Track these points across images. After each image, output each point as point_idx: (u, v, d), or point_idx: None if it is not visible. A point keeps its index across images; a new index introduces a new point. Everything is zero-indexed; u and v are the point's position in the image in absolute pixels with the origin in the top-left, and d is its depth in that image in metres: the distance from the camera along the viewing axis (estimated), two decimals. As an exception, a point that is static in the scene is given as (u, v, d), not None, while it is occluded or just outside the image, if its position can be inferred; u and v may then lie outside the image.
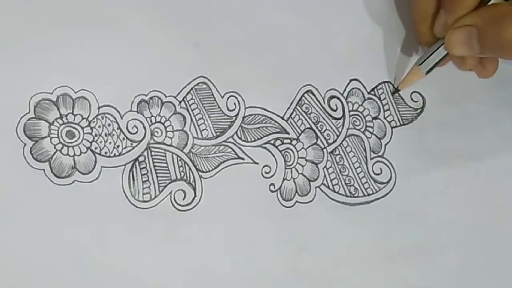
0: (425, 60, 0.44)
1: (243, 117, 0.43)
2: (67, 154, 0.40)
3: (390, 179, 0.46)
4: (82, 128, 0.40)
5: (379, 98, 0.47)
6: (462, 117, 0.48)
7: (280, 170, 0.44)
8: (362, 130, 0.46)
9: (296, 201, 0.44)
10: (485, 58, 0.45)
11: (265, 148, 0.43)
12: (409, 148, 0.47)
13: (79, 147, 0.40)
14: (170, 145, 0.42)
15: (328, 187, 0.44)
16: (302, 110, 0.45)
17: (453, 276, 0.45)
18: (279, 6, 0.45)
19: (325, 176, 0.44)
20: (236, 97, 0.43)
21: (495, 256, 0.46)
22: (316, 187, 0.44)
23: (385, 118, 0.46)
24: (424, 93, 0.47)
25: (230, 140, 0.43)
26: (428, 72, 0.44)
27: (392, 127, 0.47)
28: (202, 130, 0.42)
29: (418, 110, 0.47)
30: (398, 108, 0.47)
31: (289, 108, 0.44)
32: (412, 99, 0.47)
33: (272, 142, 0.44)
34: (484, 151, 0.47)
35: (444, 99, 0.47)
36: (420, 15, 0.44)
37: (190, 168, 0.42)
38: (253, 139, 0.43)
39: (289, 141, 0.44)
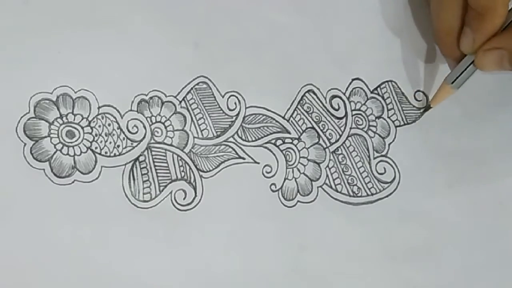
0: (456, 78, 0.44)
1: (244, 117, 0.43)
2: (67, 154, 0.40)
3: (394, 178, 0.45)
4: (82, 128, 0.40)
5: (383, 98, 0.46)
6: (465, 117, 0.47)
7: (281, 170, 0.43)
8: (365, 129, 0.46)
9: (298, 201, 0.43)
10: None
11: (266, 147, 0.43)
12: (413, 148, 0.46)
13: (79, 147, 0.40)
14: (171, 145, 0.42)
15: (331, 187, 0.44)
16: (304, 110, 0.44)
17: (456, 276, 0.45)
18: (280, 5, 0.45)
19: (327, 175, 0.44)
20: (236, 97, 0.43)
21: (498, 256, 0.46)
22: (318, 187, 0.44)
23: (388, 117, 0.46)
24: (427, 92, 0.47)
25: (231, 139, 0.43)
26: (458, 86, 0.45)
27: (396, 126, 0.46)
28: (203, 129, 0.42)
29: (422, 110, 0.47)
30: (402, 107, 0.47)
31: (290, 107, 0.44)
32: (415, 98, 0.47)
33: (273, 141, 0.43)
34: (487, 151, 0.47)
35: (447, 99, 0.47)
36: (444, 29, 0.44)
37: (190, 168, 0.42)
38: (254, 139, 0.43)
39: (290, 140, 0.44)
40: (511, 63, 0.42)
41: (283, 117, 0.44)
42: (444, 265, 0.45)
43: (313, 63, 0.45)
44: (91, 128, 0.40)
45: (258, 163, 0.43)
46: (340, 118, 0.45)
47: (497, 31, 0.42)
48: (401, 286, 0.44)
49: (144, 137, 0.41)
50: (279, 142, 0.44)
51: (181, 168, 0.42)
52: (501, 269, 0.46)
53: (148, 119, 0.41)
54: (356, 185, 0.45)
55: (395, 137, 0.46)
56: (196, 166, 0.42)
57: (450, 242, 0.45)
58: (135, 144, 0.41)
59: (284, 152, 0.44)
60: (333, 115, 0.45)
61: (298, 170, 0.44)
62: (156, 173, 0.41)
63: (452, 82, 0.44)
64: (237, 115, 0.43)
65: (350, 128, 0.45)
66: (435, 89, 0.47)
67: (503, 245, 0.46)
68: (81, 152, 0.40)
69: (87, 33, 0.41)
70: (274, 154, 0.43)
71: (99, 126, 0.41)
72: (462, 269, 0.45)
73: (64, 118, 0.40)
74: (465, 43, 0.43)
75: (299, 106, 0.44)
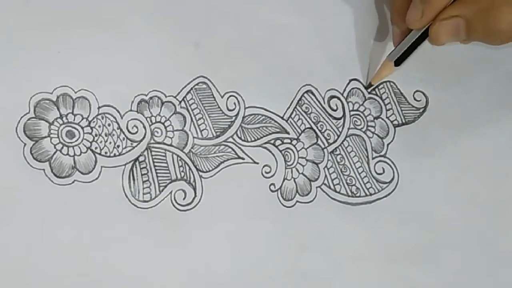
0: (400, 55, 0.43)
1: (243, 117, 0.43)
2: (67, 154, 0.40)
3: (393, 178, 0.46)
4: (82, 128, 0.40)
5: (381, 98, 0.46)
6: (465, 117, 0.47)
7: (281, 170, 0.43)
8: (363, 129, 0.46)
9: (297, 201, 0.43)
10: None
11: (265, 148, 0.43)
12: (411, 148, 0.46)
13: (79, 147, 0.40)
14: (170, 145, 0.42)
15: (329, 187, 0.44)
16: (302, 110, 0.44)
17: (455, 276, 0.45)
18: (279, 6, 0.45)
19: (326, 176, 0.44)
20: (236, 97, 0.43)
21: (498, 256, 0.46)
22: (317, 187, 0.44)
23: (387, 117, 0.46)
24: (427, 93, 0.47)
25: (230, 140, 0.43)
26: (399, 64, 0.43)
27: (394, 126, 0.46)
28: (202, 130, 0.42)
29: (421, 110, 0.47)
30: (401, 107, 0.47)
31: (289, 108, 0.44)
32: (415, 99, 0.47)
33: (272, 142, 0.44)
34: (487, 151, 0.47)
35: (447, 99, 0.47)
36: (396, 4, 0.43)
37: (190, 168, 0.42)
38: (253, 139, 0.43)
39: (289, 141, 0.44)
40: (468, 32, 0.40)
41: (282, 118, 0.44)
42: (443, 265, 0.45)
43: (312, 63, 0.45)
44: (91, 128, 0.40)
45: (257, 163, 0.43)
46: (338, 119, 0.45)
47: (448, 3, 0.40)
48: (400, 285, 0.44)
49: (144, 137, 0.41)
50: (278, 142, 0.44)
51: (181, 168, 0.42)
52: (501, 269, 0.46)
53: (148, 119, 0.42)
54: (354, 185, 0.45)
55: (393, 137, 0.46)
56: (195, 166, 0.42)
57: (449, 242, 0.45)
58: (135, 144, 0.41)
59: (283, 152, 0.44)
60: (331, 116, 0.45)
61: (297, 170, 0.44)
62: (156, 173, 0.41)
63: (395, 60, 0.43)
64: (237, 115, 0.43)
65: (348, 129, 0.45)
66: (434, 88, 0.47)
67: (503, 245, 0.46)
68: (81, 152, 0.40)
69: (87, 33, 0.41)
70: (273, 154, 0.44)
71: (99, 126, 0.41)
72: (461, 269, 0.45)
73: (64, 118, 0.40)
74: (413, 16, 0.41)
75: (297, 107, 0.44)
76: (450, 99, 0.47)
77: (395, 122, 0.46)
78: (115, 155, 0.41)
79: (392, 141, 0.46)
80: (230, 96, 0.43)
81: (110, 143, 0.41)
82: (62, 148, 0.40)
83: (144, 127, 0.41)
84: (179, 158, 0.42)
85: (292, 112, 0.44)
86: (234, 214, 0.42)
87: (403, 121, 0.47)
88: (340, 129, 0.45)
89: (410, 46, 0.42)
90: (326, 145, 0.45)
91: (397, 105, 0.47)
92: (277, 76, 0.44)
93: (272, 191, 0.43)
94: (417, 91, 0.47)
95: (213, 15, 0.43)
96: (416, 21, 0.41)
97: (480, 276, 0.46)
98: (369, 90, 0.46)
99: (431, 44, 0.42)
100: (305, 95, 0.45)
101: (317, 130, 0.45)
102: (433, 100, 0.47)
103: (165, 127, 0.42)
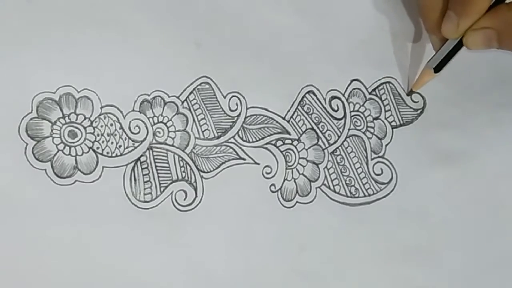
0: (438, 62, 0.44)
1: (245, 118, 0.43)
2: (69, 154, 0.40)
3: (391, 179, 0.46)
4: (85, 128, 0.40)
5: (380, 99, 0.47)
6: (463, 117, 0.48)
7: (281, 171, 0.44)
8: (363, 130, 0.46)
9: (297, 202, 0.44)
10: None
11: (266, 148, 0.44)
12: (409, 149, 0.47)
13: (81, 147, 0.40)
14: (172, 145, 0.42)
15: (329, 188, 0.44)
16: (304, 111, 0.45)
17: (455, 277, 0.46)
18: (281, 6, 0.45)
19: (325, 176, 0.45)
20: (238, 97, 0.43)
21: (497, 256, 0.46)
22: (316, 188, 0.44)
23: (386, 118, 0.47)
24: (424, 94, 0.47)
25: (232, 140, 0.43)
26: (438, 71, 0.44)
27: (392, 128, 0.47)
28: (204, 130, 0.42)
29: (419, 111, 0.47)
30: (399, 108, 0.47)
31: (290, 108, 0.44)
32: (412, 100, 0.47)
33: (273, 142, 0.44)
34: (485, 151, 0.47)
35: (444, 100, 0.48)
36: (429, 5, 0.43)
37: (191, 168, 0.42)
38: (254, 140, 0.43)
39: (290, 141, 0.44)
40: (499, 42, 0.41)
41: (284, 118, 0.44)
42: (442, 265, 0.45)
43: (313, 64, 0.45)
44: (93, 128, 0.40)
45: (258, 164, 0.43)
46: (339, 119, 0.45)
47: (482, 14, 0.41)
48: (399, 286, 0.44)
49: (146, 138, 0.41)
50: (279, 143, 0.44)
51: (182, 169, 0.42)
52: (501, 269, 0.47)
53: (150, 119, 0.41)
54: (354, 186, 0.45)
55: (391, 138, 0.47)
56: (197, 167, 0.42)
57: (448, 242, 0.46)
58: (137, 144, 0.41)
59: (284, 153, 0.44)
60: (332, 116, 0.45)
61: (297, 170, 0.44)
62: (157, 173, 0.41)
63: (435, 67, 0.44)
64: (238, 115, 0.43)
65: (349, 129, 0.46)
66: (432, 89, 0.47)
67: (502, 245, 0.47)
68: (83, 152, 0.40)
69: (90, 33, 0.41)
70: (274, 155, 0.44)
71: (101, 126, 0.40)
72: (461, 269, 0.46)
73: (66, 118, 0.40)
74: (448, 28, 0.42)
75: (299, 107, 0.45)
76: (448, 99, 0.48)
77: (393, 123, 0.47)
78: (117, 155, 0.41)
79: (390, 142, 0.46)
80: (232, 96, 0.43)
81: (112, 143, 0.41)
82: (64, 148, 0.40)
83: (146, 127, 0.41)
84: (180, 159, 0.42)
85: (293, 113, 0.44)
86: (234, 215, 0.42)
87: (401, 122, 0.47)
88: (341, 129, 0.45)
89: (448, 53, 0.44)
90: (327, 145, 0.45)
91: (395, 106, 0.47)
92: (279, 77, 0.44)
93: (272, 191, 0.43)
94: (414, 92, 0.47)
95: (215, 15, 0.43)
96: (452, 32, 0.42)
97: (480, 276, 0.46)
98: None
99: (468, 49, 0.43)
100: (307, 95, 0.45)
101: (318, 131, 0.45)
102: (431, 101, 0.47)
103: (167, 128, 0.42)
